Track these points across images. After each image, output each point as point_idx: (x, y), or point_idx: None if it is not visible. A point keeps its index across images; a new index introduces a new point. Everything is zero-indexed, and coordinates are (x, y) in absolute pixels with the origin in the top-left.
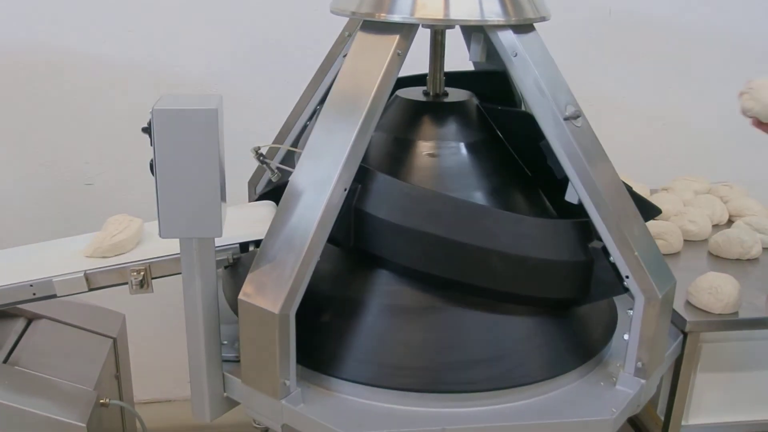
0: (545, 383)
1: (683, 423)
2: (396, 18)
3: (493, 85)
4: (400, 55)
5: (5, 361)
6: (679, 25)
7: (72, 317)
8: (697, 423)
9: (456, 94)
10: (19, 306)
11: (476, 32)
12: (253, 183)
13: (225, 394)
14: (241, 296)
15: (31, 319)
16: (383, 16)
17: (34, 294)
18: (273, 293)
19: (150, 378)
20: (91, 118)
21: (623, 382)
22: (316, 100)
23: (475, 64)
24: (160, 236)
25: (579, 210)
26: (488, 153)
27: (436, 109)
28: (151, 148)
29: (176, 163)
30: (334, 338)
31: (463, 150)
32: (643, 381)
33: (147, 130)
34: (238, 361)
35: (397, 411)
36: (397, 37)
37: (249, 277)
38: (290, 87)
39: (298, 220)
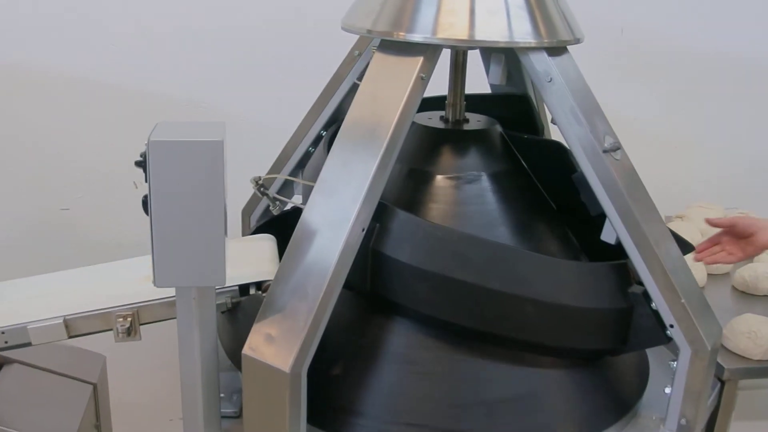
0: None
1: None
2: (417, 38)
3: (513, 109)
4: (423, 79)
5: None
6: (693, 47)
7: (47, 361)
8: None
9: (477, 121)
10: None
11: (497, 53)
12: (247, 212)
13: None
14: (246, 351)
15: (0, 364)
16: (402, 36)
17: (6, 342)
18: (283, 348)
19: (130, 421)
20: (70, 138)
21: None
22: (320, 125)
23: (492, 86)
24: (155, 285)
25: (612, 250)
26: (514, 186)
27: (457, 138)
28: (146, 183)
29: (175, 201)
30: (345, 393)
31: (487, 183)
32: None
33: (141, 164)
34: (238, 417)
35: None
36: (421, 59)
37: (255, 328)
38: (286, 107)
39: (311, 263)
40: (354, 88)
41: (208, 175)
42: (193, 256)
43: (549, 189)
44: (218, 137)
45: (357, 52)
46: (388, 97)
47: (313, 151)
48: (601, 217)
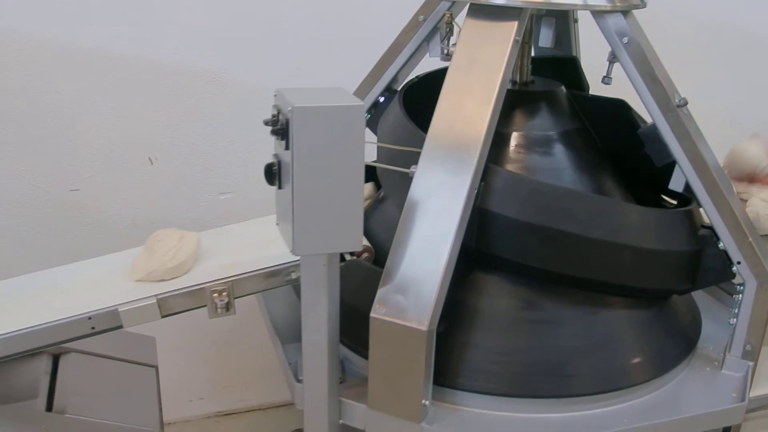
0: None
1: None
2: (506, 2)
3: (561, 70)
4: (518, 42)
5: (49, 410)
6: None
7: (102, 347)
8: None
9: (542, 82)
10: None
11: (548, 17)
12: None
13: (341, 421)
14: (375, 314)
15: (56, 354)
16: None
17: (93, 328)
18: (416, 309)
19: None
20: (76, 112)
21: (730, 366)
22: (376, 93)
23: (540, 49)
24: (293, 253)
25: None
26: (582, 144)
27: (527, 99)
28: (283, 150)
29: (317, 167)
30: (456, 349)
31: (559, 141)
32: (750, 363)
33: (277, 129)
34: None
35: (531, 419)
36: (516, 23)
37: (381, 292)
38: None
39: (432, 226)
40: (416, 55)
41: (350, 139)
42: (333, 222)
43: (608, 144)
44: (358, 101)
45: (422, 17)
46: (487, 60)
47: (369, 117)
48: (667, 167)
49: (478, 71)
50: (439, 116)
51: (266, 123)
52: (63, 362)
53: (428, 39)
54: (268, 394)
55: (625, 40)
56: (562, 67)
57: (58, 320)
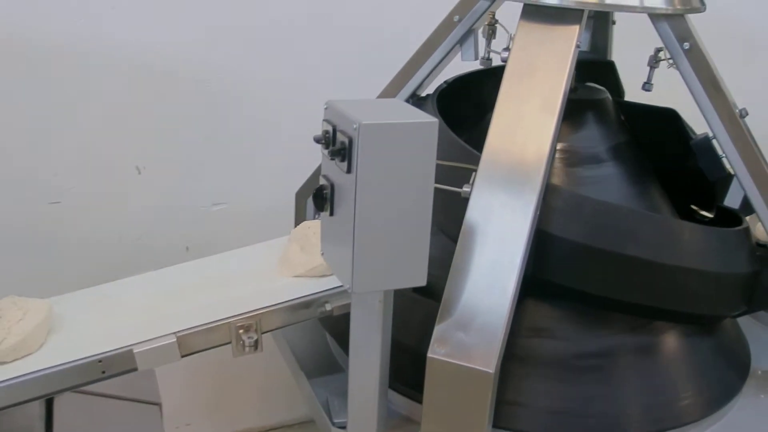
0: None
1: None
2: (566, 2)
3: (598, 75)
4: (578, 47)
5: None
6: None
7: (98, 384)
8: None
9: (586, 89)
10: None
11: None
12: (303, 194)
13: None
14: (434, 354)
15: (48, 396)
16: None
17: (104, 372)
18: (481, 348)
19: None
20: (55, 121)
21: None
22: (404, 96)
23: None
24: (352, 291)
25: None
26: (632, 158)
27: (574, 108)
28: (340, 171)
29: (384, 193)
30: (506, 387)
31: (608, 155)
32: None
33: (336, 150)
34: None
35: None
36: (578, 27)
37: (439, 330)
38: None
39: (496, 255)
40: (446, 56)
41: (421, 160)
42: (397, 255)
43: (653, 156)
44: (431, 118)
45: (457, 17)
46: (548, 67)
47: None
48: (720, 181)
49: (538, 79)
50: (496, 129)
51: (317, 141)
52: (58, 404)
53: (462, 41)
54: (264, 417)
55: (686, 45)
56: (598, 71)
57: (66, 363)
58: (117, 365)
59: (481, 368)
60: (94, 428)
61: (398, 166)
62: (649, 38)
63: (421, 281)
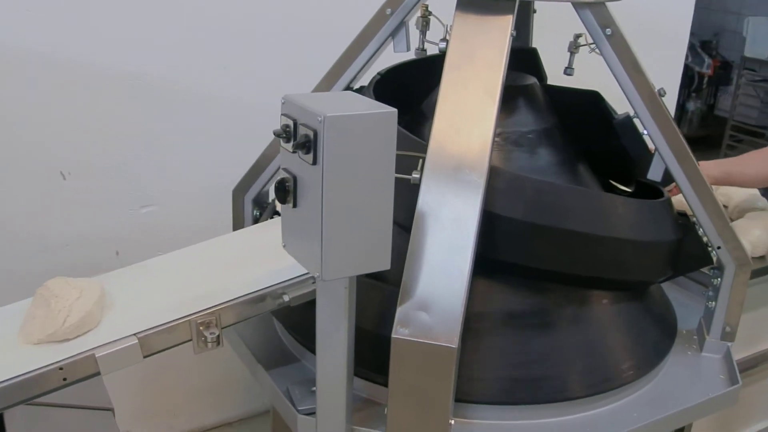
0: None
1: None
2: None
3: (522, 62)
4: (513, 37)
5: None
6: None
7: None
8: None
9: (513, 75)
10: None
11: None
12: (240, 191)
13: None
14: (398, 335)
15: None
16: None
17: (65, 379)
18: (443, 325)
19: None
20: None
21: (710, 348)
22: (339, 89)
23: None
24: (323, 278)
25: None
26: (561, 139)
27: (506, 95)
28: (305, 164)
29: (349, 182)
30: (463, 360)
31: (540, 138)
32: (730, 344)
33: (301, 143)
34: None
35: (536, 426)
36: (511, 16)
37: (401, 311)
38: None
39: (450, 238)
40: (378, 51)
41: (383, 149)
42: (363, 241)
43: (579, 136)
44: (390, 108)
45: (389, 10)
46: (486, 56)
47: None
48: (642, 157)
49: (477, 67)
50: (441, 116)
51: (278, 135)
52: (9, 419)
53: (394, 34)
54: (199, 417)
55: (609, 31)
56: (522, 58)
57: (26, 374)
58: (79, 371)
59: (444, 344)
60: None
61: (361, 155)
62: (566, 25)
63: (385, 265)
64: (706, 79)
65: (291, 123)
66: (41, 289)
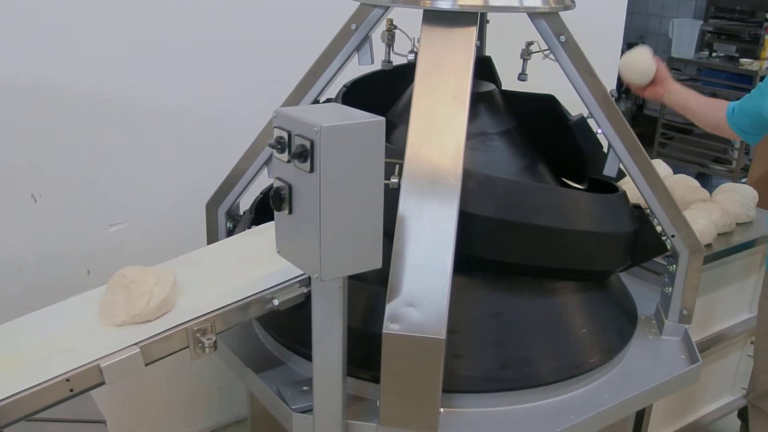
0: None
1: None
2: (445, 5)
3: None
4: (478, 47)
5: None
6: None
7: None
8: None
9: (476, 83)
10: None
11: None
12: (213, 204)
13: None
14: (388, 331)
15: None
16: (431, 5)
17: (72, 390)
18: (431, 319)
19: None
20: None
21: (669, 331)
22: (308, 102)
23: None
24: (322, 279)
25: None
26: (521, 140)
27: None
28: (301, 172)
29: (343, 187)
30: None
31: (500, 140)
32: (687, 326)
33: (298, 153)
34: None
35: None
36: (474, 28)
37: (391, 308)
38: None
39: (432, 237)
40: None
41: (373, 156)
42: (357, 242)
43: (535, 137)
44: (377, 117)
45: (354, 26)
46: (454, 66)
47: None
48: (597, 156)
49: (446, 77)
50: (416, 124)
51: (272, 147)
52: None
53: (359, 48)
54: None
55: (563, 38)
56: (478, 66)
57: (33, 387)
58: (84, 381)
59: (433, 336)
60: None
61: (354, 161)
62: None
63: (377, 264)
64: None
65: (285, 135)
66: (116, 278)
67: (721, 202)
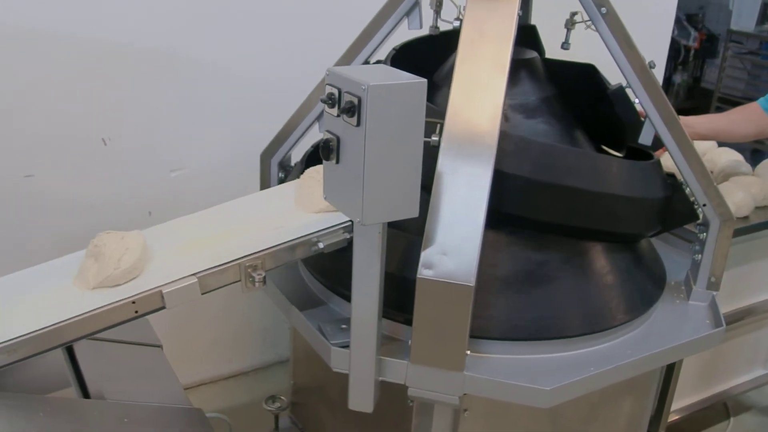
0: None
1: None
2: None
3: (523, 38)
4: (520, 16)
5: (86, 396)
6: None
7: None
8: None
9: (518, 51)
10: None
11: None
12: (267, 155)
13: (379, 378)
14: (422, 276)
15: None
16: None
17: (137, 312)
18: (462, 267)
19: None
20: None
21: (697, 297)
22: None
23: None
24: (363, 223)
25: None
26: (560, 107)
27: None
28: (348, 126)
29: (387, 142)
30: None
31: (541, 107)
32: (714, 293)
33: (346, 108)
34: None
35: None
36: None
37: (425, 255)
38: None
39: (467, 192)
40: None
41: (414, 113)
42: (397, 192)
43: (575, 105)
44: (420, 78)
45: None
46: (496, 34)
47: None
48: (633, 124)
49: (488, 44)
50: (457, 87)
51: (324, 102)
52: (78, 350)
53: (408, 13)
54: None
55: (604, 10)
56: (524, 34)
57: (104, 306)
58: (148, 305)
59: (463, 283)
60: (114, 370)
61: (396, 117)
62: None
63: (414, 213)
64: (692, 52)
65: (336, 91)
66: (93, 241)
67: (763, 177)
